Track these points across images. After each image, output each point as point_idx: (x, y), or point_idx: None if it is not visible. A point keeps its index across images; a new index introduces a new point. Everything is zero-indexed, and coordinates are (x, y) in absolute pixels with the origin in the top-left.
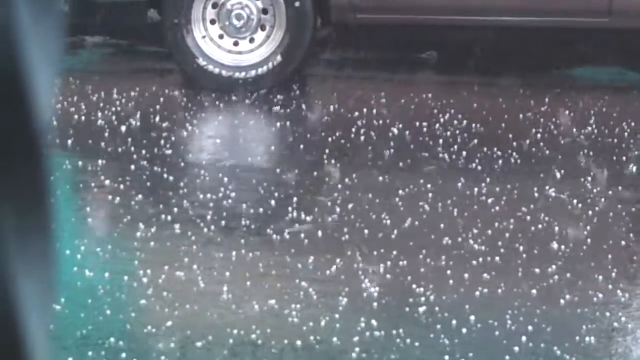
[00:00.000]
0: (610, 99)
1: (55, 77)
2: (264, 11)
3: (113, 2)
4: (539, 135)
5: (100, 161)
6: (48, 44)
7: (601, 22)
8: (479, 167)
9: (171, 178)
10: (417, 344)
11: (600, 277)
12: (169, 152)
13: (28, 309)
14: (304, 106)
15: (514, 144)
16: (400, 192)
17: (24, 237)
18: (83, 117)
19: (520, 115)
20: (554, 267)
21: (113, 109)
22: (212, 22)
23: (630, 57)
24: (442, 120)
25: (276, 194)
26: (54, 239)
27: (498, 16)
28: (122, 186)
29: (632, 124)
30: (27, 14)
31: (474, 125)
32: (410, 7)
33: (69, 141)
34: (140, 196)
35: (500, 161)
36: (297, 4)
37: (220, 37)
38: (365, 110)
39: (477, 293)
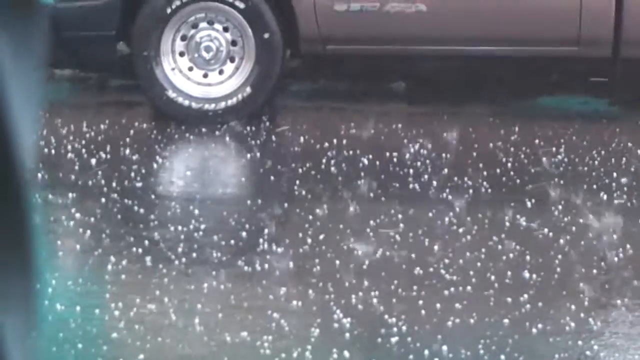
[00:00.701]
0: (580, 127)
1: (37, 117)
2: (233, 43)
3: (82, 35)
4: (509, 164)
5: (70, 194)
6: (29, 81)
7: (570, 51)
8: (450, 197)
9: (142, 210)
10: None
11: (572, 306)
12: (139, 184)
13: (10, 344)
14: (274, 137)
15: (485, 173)
16: (371, 222)
17: (3, 274)
18: (53, 150)
19: (491, 144)
20: (525, 296)
21: (83, 141)
22: (182, 54)
23: (598, 86)
24: (412, 150)
25: (247, 226)
26: (35, 275)
27: (467, 46)
28: (92, 219)
29: (602, 152)
30: (7, 50)
31: (444, 154)
32: (379, 38)
33: (39, 174)
34: (111, 229)
35: (470, 190)
36: (266, 35)
37: (190, 69)
38: (335, 140)
39: (449, 323)
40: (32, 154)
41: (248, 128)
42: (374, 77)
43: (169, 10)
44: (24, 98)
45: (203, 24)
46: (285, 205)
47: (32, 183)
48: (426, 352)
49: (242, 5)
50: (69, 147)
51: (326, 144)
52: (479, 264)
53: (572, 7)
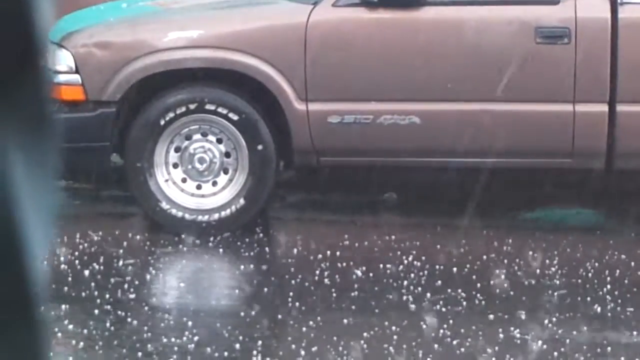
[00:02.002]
0: (573, 239)
1: (51, 228)
2: (227, 155)
3: (76, 146)
4: (502, 277)
5: (63, 306)
6: (43, 193)
7: (564, 163)
8: (444, 309)
9: (135, 322)
10: None
11: None
12: (132, 296)
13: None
14: (267, 249)
15: (478, 285)
16: (365, 334)
17: None
18: (45, 262)
19: (484, 257)
20: None
21: (76, 253)
22: (175, 165)
23: (592, 198)
24: (405, 262)
25: (241, 338)
26: None
27: (460, 158)
28: (85, 331)
29: (596, 264)
30: (21, 162)
31: (437, 266)
32: (372, 150)
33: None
34: (104, 341)
35: (464, 302)
36: (259, 147)
37: (183, 180)
38: (328, 253)
39: None
40: (45, 267)
41: (242, 240)
42: (366, 189)
43: (162, 122)
44: (38, 210)
45: (197, 136)
46: (279, 317)
47: (43, 296)
48: None
49: (235, 117)
50: (62, 258)
51: (320, 256)
52: None
53: (565, 119)
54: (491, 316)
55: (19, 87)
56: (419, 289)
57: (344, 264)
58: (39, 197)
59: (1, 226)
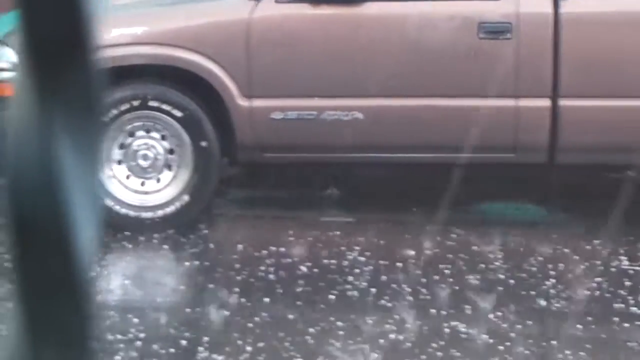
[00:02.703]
0: (517, 234)
1: (99, 218)
2: (171, 151)
3: None
4: (447, 271)
5: (5, 305)
6: (90, 181)
7: (508, 158)
8: (389, 304)
9: None
10: None
11: None
12: None
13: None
14: (211, 245)
15: (423, 280)
16: (311, 330)
17: None
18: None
19: (428, 252)
20: None
21: None
22: (119, 162)
23: (535, 193)
24: (349, 257)
25: (187, 334)
26: None
27: (404, 153)
28: None
29: (540, 258)
30: (71, 152)
31: (381, 262)
32: (316, 146)
33: None
34: None
35: (409, 297)
36: (203, 144)
37: (127, 177)
38: (273, 248)
39: None
40: (94, 257)
41: (186, 236)
42: (309, 185)
43: (105, 119)
44: (86, 195)
45: (140, 132)
46: (225, 313)
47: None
48: None
49: (179, 114)
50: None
51: (264, 252)
52: None
53: (508, 114)
54: (436, 311)
55: (69, 71)
56: (364, 284)
57: (289, 260)
58: (86, 182)
59: (52, 211)
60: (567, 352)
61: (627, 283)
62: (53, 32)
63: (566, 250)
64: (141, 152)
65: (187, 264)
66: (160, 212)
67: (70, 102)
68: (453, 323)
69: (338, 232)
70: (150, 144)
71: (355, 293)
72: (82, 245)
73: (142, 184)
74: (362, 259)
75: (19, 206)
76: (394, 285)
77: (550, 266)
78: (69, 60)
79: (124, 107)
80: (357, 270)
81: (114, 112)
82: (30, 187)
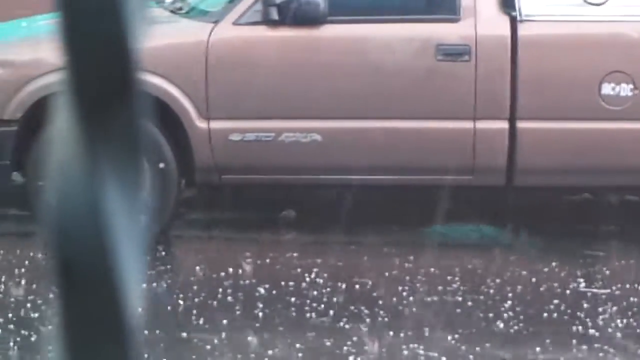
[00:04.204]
0: (473, 255)
1: (144, 261)
2: None
3: None
4: (404, 293)
5: None
6: (135, 223)
7: (465, 180)
8: (347, 326)
9: (38, 342)
10: None
11: None
12: (35, 315)
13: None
14: (169, 267)
15: (380, 302)
16: (269, 352)
17: None
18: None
19: (386, 273)
20: None
21: None
22: None
23: (492, 214)
24: (307, 279)
25: (145, 356)
26: None
27: (362, 175)
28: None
29: (496, 280)
30: (116, 193)
31: (339, 284)
32: (274, 168)
33: None
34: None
35: (367, 319)
36: (161, 165)
37: None
38: (231, 270)
39: None
40: (140, 297)
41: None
42: (266, 206)
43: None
44: (132, 238)
45: None
46: (183, 335)
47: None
48: None
49: None
50: None
51: (222, 274)
52: None
53: (466, 136)
54: (394, 332)
55: (119, 109)
56: (322, 306)
57: (247, 282)
58: (132, 224)
59: (100, 256)
60: None
61: (585, 305)
62: (104, 72)
63: (524, 272)
64: None
65: (144, 285)
66: None
67: (118, 142)
68: (412, 345)
69: (296, 254)
70: None
71: (314, 315)
72: (129, 291)
73: None
74: (320, 280)
75: (64, 251)
76: (352, 307)
77: (508, 288)
78: (119, 100)
79: None
80: (315, 292)
81: None
82: (77, 231)
